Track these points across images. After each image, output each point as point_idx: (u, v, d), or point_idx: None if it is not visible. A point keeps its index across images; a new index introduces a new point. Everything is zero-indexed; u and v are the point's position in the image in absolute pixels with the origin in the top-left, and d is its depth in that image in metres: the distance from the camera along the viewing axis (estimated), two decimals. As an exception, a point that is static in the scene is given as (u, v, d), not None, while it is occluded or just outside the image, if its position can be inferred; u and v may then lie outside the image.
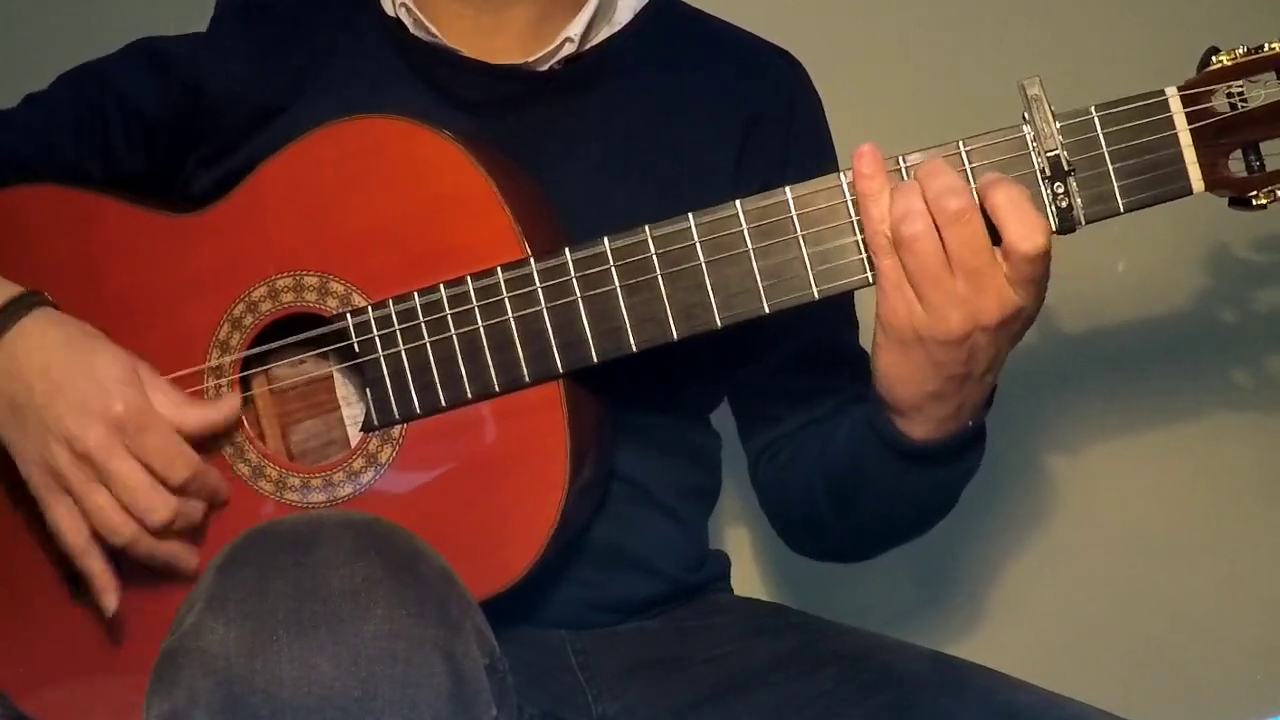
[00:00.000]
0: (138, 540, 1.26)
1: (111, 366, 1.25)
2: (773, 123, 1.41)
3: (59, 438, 1.24)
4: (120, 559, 1.28)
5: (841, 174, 1.19)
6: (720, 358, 1.42)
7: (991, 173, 1.16)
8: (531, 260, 1.23)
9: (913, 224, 1.14)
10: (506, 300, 1.23)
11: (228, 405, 1.28)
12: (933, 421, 1.21)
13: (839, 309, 1.43)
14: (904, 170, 1.17)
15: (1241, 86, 1.16)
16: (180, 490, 1.25)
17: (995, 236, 1.14)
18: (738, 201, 1.20)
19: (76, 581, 1.33)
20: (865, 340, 1.44)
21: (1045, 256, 1.14)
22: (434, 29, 1.36)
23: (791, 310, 1.21)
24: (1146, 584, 1.86)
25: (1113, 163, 1.16)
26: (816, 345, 1.42)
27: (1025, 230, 1.13)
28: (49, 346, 1.26)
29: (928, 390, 1.19)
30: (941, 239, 1.14)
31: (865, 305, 1.40)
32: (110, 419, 1.24)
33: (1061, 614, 1.88)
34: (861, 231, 1.18)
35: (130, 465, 1.24)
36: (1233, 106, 1.16)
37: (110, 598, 1.28)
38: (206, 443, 1.29)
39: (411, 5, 1.36)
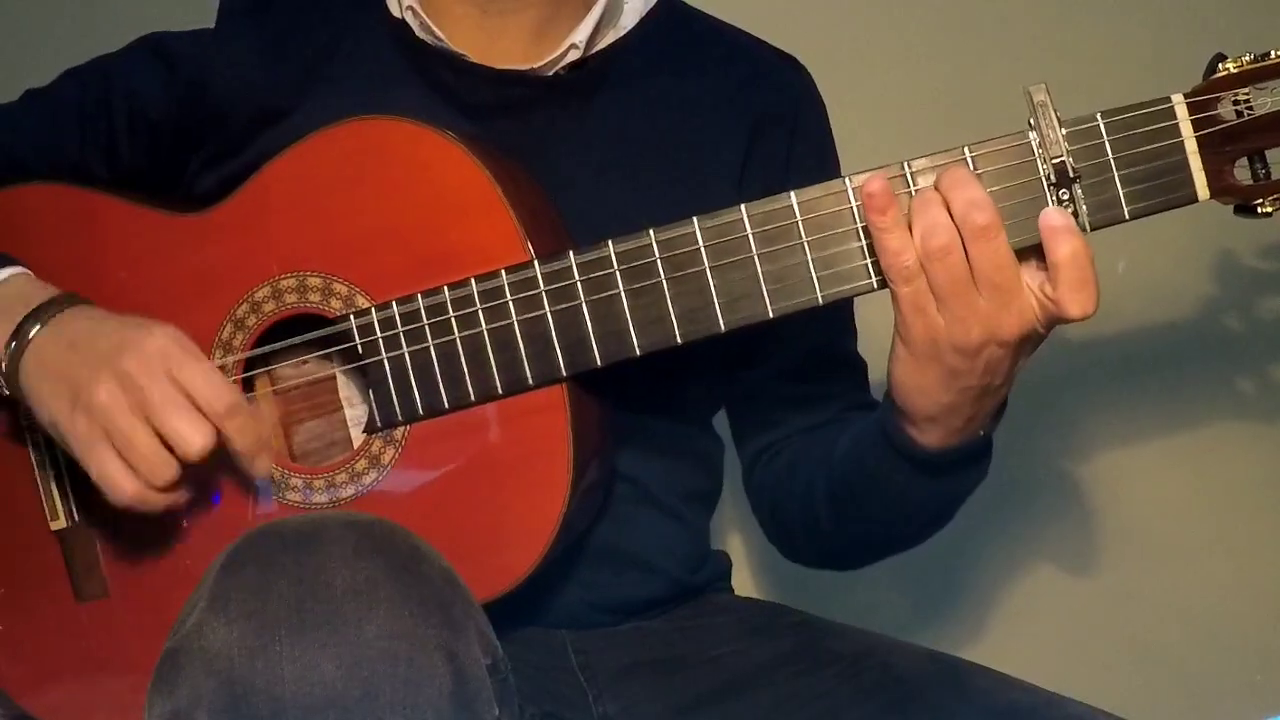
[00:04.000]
0: (169, 489, 1.21)
1: (156, 323, 1.22)
2: (778, 128, 1.41)
3: (99, 370, 1.20)
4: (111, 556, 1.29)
5: (847, 179, 1.18)
6: (723, 362, 1.42)
7: (1057, 213, 1.13)
8: (535, 263, 1.23)
9: (938, 237, 1.13)
10: (510, 303, 1.23)
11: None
12: (946, 431, 1.21)
13: (839, 316, 1.43)
14: (909, 176, 1.17)
15: (1248, 94, 1.15)
16: (222, 418, 1.20)
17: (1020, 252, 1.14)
18: (742, 206, 1.19)
19: (78, 582, 1.33)
20: (863, 348, 1.45)
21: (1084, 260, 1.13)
22: (439, 31, 1.35)
23: (794, 315, 1.20)
24: (1147, 585, 1.87)
25: (1118, 170, 1.15)
26: (817, 352, 1.42)
27: (1081, 298, 1.12)
28: (96, 317, 1.25)
29: (944, 401, 1.18)
30: (966, 253, 1.13)
31: (865, 313, 1.40)
32: (155, 348, 1.20)
33: (1062, 614, 1.88)
34: (867, 238, 1.18)
35: (168, 387, 1.19)
36: (1239, 114, 1.15)
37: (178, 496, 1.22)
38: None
39: (417, 7, 1.36)
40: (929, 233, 1.13)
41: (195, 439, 1.19)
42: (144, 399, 1.19)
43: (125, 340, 1.21)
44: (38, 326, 1.25)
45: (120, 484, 1.21)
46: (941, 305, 1.14)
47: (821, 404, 1.42)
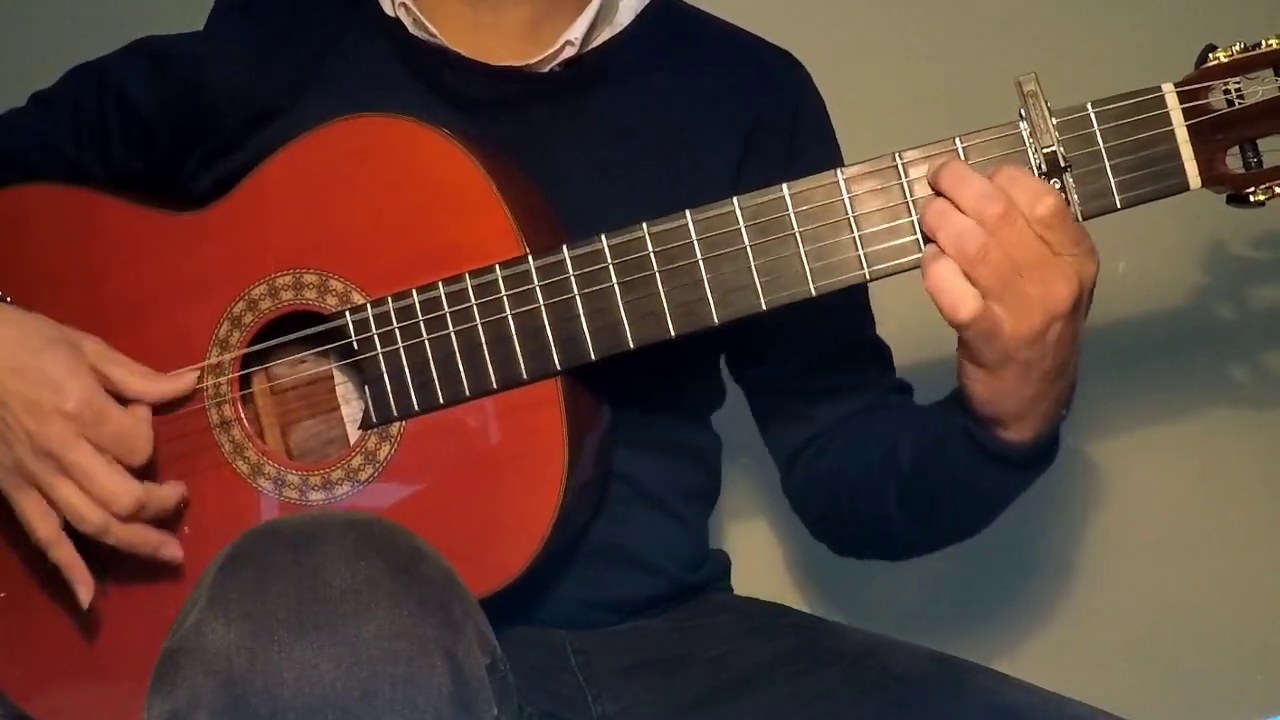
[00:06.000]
0: (108, 527, 1.26)
1: (61, 362, 1.26)
2: (776, 125, 1.41)
3: (19, 437, 1.25)
4: (110, 555, 1.29)
5: (838, 171, 1.19)
6: (735, 359, 1.44)
7: (952, 164, 1.15)
8: (530, 258, 1.23)
9: (972, 241, 1.13)
10: (505, 298, 1.23)
11: (185, 379, 1.30)
12: (1036, 421, 1.21)
13: (856, 303, 1.42)
14: (900, 167, 1.17)
15: (1239, 83, 1.16)
16: (144, 472, 1.26)
17: None
18: (735, 199, 1.20)
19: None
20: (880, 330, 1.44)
21: (1062, 214, 1.13)
22: (433, 29, 1.36)
23: (791, 307, 1.20)
24: (1146, 584, 1.86)
25: (1110, 159, 1.16)
26: (839, 342, 1.42)
27: (1031, 197, 1.13)
28: (12, 337, 1.27)
29: (1026, 396, 1.18)
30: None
31: (879, 298, 1.40)
32: (65, 413, 1.25)
33: (1061, 613, 1.88)
34: (859, 229, 1.18)
35: (90, 455, 1.25)
36: (1230, 103, 1.16)
37: (84, 590, 1.28)
38: (203, 440, 1.30)
39: (411, 5, 1.36)
40: (963, 241, 1.13)
41: (119, 499, 1.26)
42: (68, 470, 1.25)
43: (33, 407, 1.25)
44: None
45: (41, 523, 1.27)
46: (1000, 304, 1.13)
47: (852, 393, 1.42)
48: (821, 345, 1.41)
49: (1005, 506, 1.31)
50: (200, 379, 1.30)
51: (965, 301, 1.13)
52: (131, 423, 1.27)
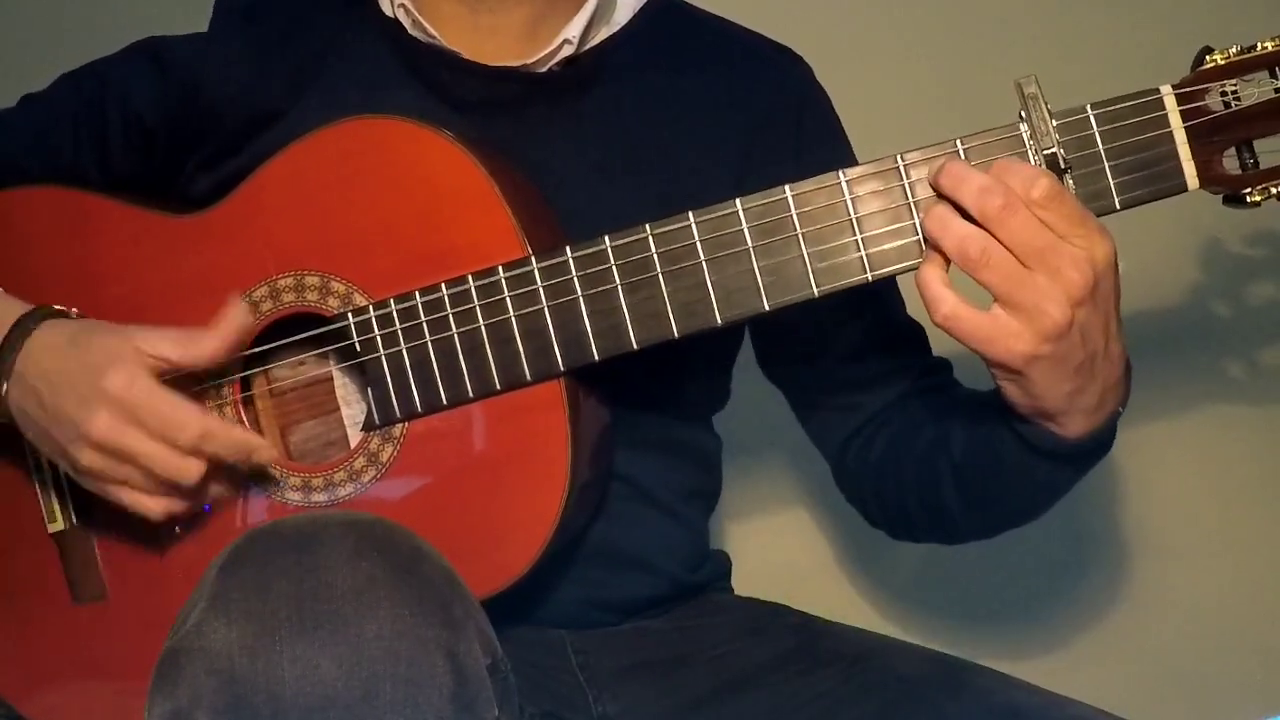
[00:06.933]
0: (178, 505, 1.25)
1: (103, 350, 1.24)
2: (780, 123, 1.41)
3: (74, 438, 1.23)
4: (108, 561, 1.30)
5: (840, 172, 1.19)
6: (767, 360, 1.45)
7: (951, 164, 1.14)
8: (533, 259, 1.23)
9: (972, 245, 1.12)
10: (508, 299, 1.23)
11: (233, 322, 1.25)
12: (1084, 415, 1.19)
13: (883, 287, 1.41)
14: (902, 169, 1.18)
15: (1235, 85, 1.16)
16: (197, 448, 1.22)
17: None
18: (738, 200, 1.20)
19: (76, 585, 1.33)
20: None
21: (1057, 194, 1.12)
22: (432, 30, 1.36)
23: (792, 307, 1.20)
24: (1145, 583, 1.87)
25: (1108, 160, 1.16)
26: (876, 327, 1.41)
27: (1026, 181, 1.12)
28: (49, 352, 1.26)
29: (1065, 391, 1.16)
30: (1000, 239, 1.12)
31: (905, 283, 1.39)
32: (109, 400, 1.22)
33: (1062, 614, 1.88)
34: (861, 231, 1.19)
35: (141, 439, 1.22)
36: (1226, 105, 1.16)
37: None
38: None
39: (409, 6, 1.36)
40: (965, 245, 1.12)
41: (185, 474, 1.23)
42: (129, 458, 1.22)
43: (79, 401, 1.22)
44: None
45: (150, 507, 1.25)
46: (1010, 308, 1.13)
47: (894, 377, 1.42)
48: (855, 335, 1.41)
49: (1064, 493, 1.29)
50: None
51: (941, 301, 1.13)
52: (172, 405, 1.22)
